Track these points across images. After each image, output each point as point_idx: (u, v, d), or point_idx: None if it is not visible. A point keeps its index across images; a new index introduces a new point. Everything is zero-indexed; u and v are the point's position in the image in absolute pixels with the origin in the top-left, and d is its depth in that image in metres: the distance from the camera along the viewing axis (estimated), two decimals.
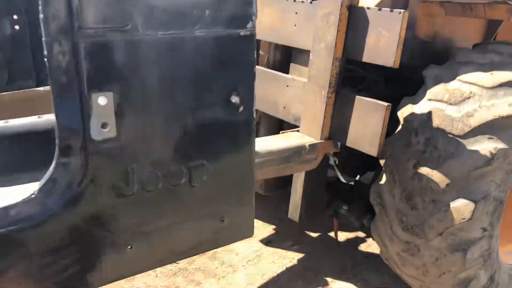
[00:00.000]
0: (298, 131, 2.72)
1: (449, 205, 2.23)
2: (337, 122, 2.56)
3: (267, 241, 3.69)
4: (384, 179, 2.54)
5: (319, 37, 2.50)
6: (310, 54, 2.58)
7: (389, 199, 2.51)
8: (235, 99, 1.40)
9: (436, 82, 2.42)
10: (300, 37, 2.68)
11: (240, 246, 3.62)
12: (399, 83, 2.81)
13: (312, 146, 2.53)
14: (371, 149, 2.39)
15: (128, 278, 3.26)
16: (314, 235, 3.76)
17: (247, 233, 1.69)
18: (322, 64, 2.50)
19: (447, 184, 2.23)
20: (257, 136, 3.25)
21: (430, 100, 2.39)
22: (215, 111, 1.41)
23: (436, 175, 2.26)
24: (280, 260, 3.44)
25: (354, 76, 2.94)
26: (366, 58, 2.33)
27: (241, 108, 1.42)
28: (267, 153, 2.35)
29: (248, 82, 1.46)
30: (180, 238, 1.45)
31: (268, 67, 3.08)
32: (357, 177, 3.25)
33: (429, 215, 2.30)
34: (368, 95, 2.53)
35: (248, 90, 1.45)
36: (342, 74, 2.56)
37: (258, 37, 3.09)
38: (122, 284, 3.22)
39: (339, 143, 2.61)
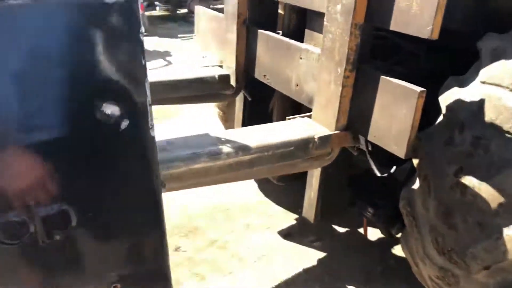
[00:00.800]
0: (310, 117, 2.16)
1: (501, 232, 1.62)
2: (358, 109, 1.97)
3: (286, 234, 3.23)
4: (417, 184, 1.95)
5: None
6: (325, 18, 1.97)
7: (421, 211, 1.93)
8: (110, 109, 0.85)
9: (495, 58, 1.74)
10: None
11: (254, 237, 3.21)
12: (447, 57, 2.13)
13: (323, 139, 1.97)
14: (397, 148, 1.80)
15: None
16: (340, 230, 3.24)
17: None
18: (338, 32, 1.89)
19: (501, 204, 1.61)
20: (271, 121, 2.72)
21: (484, 83, 1.72)
22: (75, 129, 0.86)
23: (485, 189, 1.64)
24: (298, 258, 2.98)
25: (387, 46, 2.29)
26: (395, 25, 1.70)
27: (124, 124, 0.87)
28: (259, 148, 1.84)
29: (135, 79, 0.87)
30: None
31: (283, 34, 2.49)
32: (393, 169, 2.64)
33: (472, 241, 1.70)
34: (403, 72, 1.90)
35: (134, 93, 0.87)
36: (367, 45, 1.94)
37: None
38: None
39: (361, 137, 2.03)
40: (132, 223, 0.98)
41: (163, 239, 1.00)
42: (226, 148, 1.76)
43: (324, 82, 2.02)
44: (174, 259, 3.06)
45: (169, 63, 7.34)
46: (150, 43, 8.43)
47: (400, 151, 1.79)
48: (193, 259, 3.06)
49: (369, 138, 1.94)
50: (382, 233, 2.50)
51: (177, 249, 3.16)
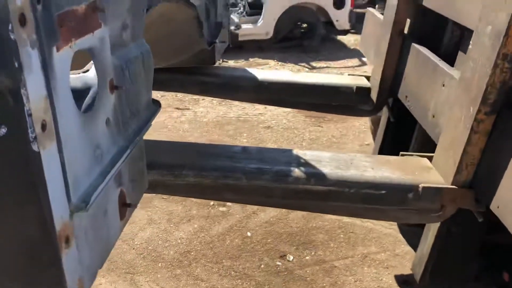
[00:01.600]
0: (430, 159, 1.73)
1: None
2: (489, 165, 1.48)
3: (403, 281, 2.77)
4: None
5: (487, 14, 1.41)
6: (471, 39, 1.51)
7: None
8: None
9: None
10: (468, 10, 1.61)
11: (367, 272, 2.85)
12: None
13: (430, 192, 1.55)
14: None
15: (233, 255, 3.02)
16: None
17: None
18: (481, 60, 1.43)
19: None
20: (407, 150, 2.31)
21: None
22: None
23: None
24: None
25: None
26: None
27: (2, 131, 0.69)
28: (339, 182, 1.56)
29: (8, 82, 0.66)
30: None
31: (440, 54, 2.02)
32: None
33: None
34: None
35: (9, 98, 0.67)
36: None
37: (432, 7, 2.06)
38: (231, 253, 2.99)
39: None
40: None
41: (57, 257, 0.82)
42: (297, 172, 1.55)
43: (453, 120, 1.57)
44: (274, 266, 2.95)
45: (363, 63, 7.06)
46: (353, 40, 8.26)
47: None
48: (293, 273, 2.90)
49: (492, 207, 1.44)
50: None
51: (282, 256, 3.05)
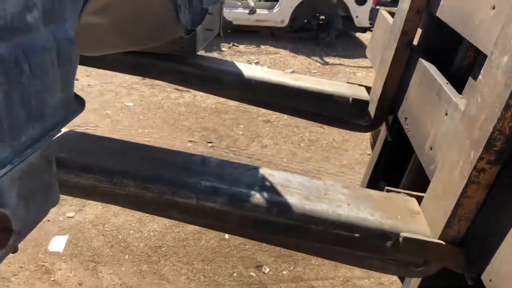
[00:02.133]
0: (420, 200, 1.47)
1: None
2: (485, 224, 1.22)
3: None
4: None
5: (505, 40, 1.14)
6: (483, 68, 1.24)
7: None
8: None
9: None
10: (485, 30, 1.33)
11: None
12: None
13: (412, 244, 1.30)
14: None
15: (205, 258, 2.80)
16: None
17: None
18: (490, 97, 1.16)
19: None
20: (397, 185, 2.05)
21: None
22: None
23: None
24: None
25: None
26: None
27: None
28: (305, 217, 1.32)
29: None
30: None
31: (450, 75, 1.74)
32: None
33: None
34: None
35: None
36: None
37: (446, 20, 1.78)
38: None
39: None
40: None
41: None
42: (258, 198, 1.31)
43: (450, 161, 1.31)
44: (248, 276, 2.74)
45: None
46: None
47: None
48: (266, 287, 2.68)
49: (483, 277, 1.18)
50: None
51: (258, 267, 2.84)
